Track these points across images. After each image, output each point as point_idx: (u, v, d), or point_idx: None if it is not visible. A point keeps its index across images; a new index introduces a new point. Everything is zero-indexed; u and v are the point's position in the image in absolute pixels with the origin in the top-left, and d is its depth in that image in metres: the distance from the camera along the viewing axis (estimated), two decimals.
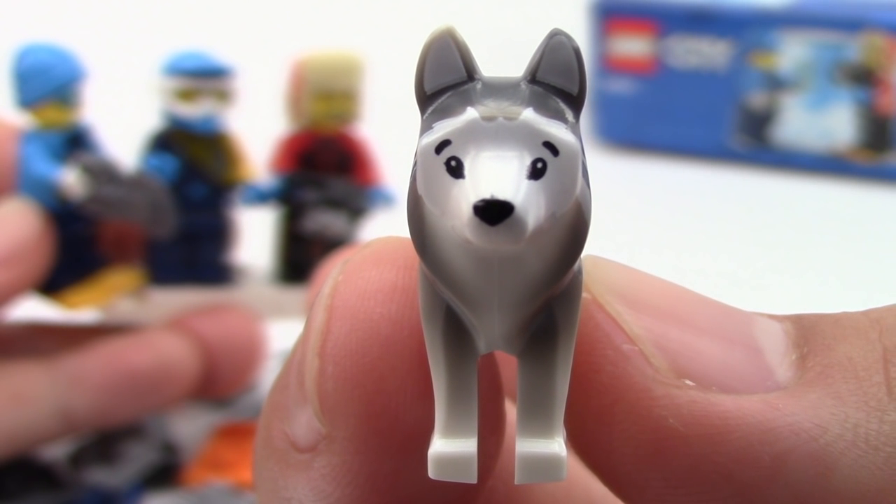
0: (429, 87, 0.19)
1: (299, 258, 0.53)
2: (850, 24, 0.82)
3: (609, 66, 0.88)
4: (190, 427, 0.54)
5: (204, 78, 0.49)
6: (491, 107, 0.18)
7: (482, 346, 0.20)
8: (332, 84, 0.51)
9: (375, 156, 0.53)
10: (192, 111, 0.50)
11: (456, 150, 0.18)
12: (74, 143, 0.48)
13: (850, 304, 0.22)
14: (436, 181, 0.18)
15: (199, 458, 0.52)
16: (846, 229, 0.78)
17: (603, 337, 0.21)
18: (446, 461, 0.20)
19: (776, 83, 0.84)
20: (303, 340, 0.22)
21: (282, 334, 0.56)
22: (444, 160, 0.18)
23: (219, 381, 0.51)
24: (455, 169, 0.18)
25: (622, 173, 0.85)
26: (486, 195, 0.17)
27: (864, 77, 0.82)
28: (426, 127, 0.18)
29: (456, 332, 0.20)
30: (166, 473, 0.52)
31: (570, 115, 0.19)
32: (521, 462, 0.20)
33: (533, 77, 0.19)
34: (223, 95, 0.50)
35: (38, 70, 0.47)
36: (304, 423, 0.22)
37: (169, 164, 0.50)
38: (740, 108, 0.85)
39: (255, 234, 0.54)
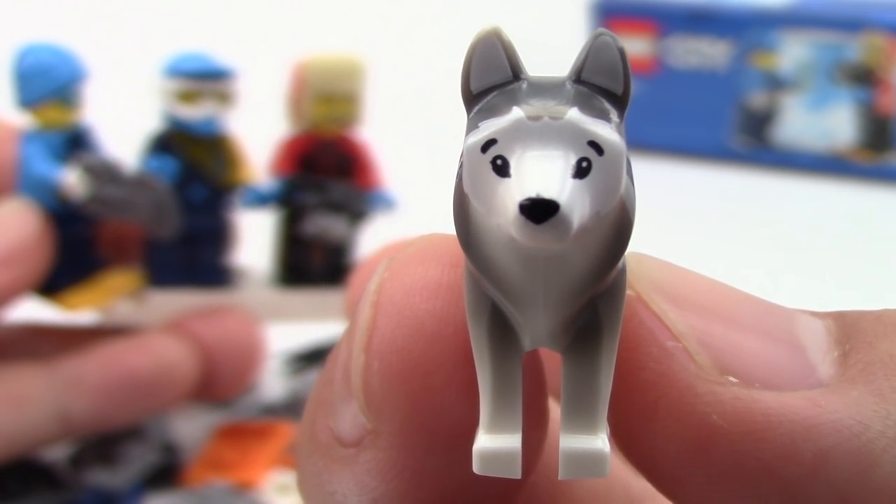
0: (475, 87, 0.19)
1: (299, 261, 0.53)
2: (850, 24, 0.82)
3: None
4: (190, 427, 0.54)
5: (205, 80, 0.49)
6: (536, 106, 0.18)
7: (527, 343, 0.20)
8: (333, 87, 0.51)
9: (376, 159, 0.53)
10: (193, 113, 0.50)
11: (502, 148, 0.18)
12: (75, 143, 0.48)
13: (849, 304, 0.23)
14: (482, 179, 0.18)
15: (199, 458, 0.52)
16: (846, 229, 0.78)
17: (647, 334, 0.21)
18: (491, 456, 0.20)
19: (776, 83, 0.84)
20: (348, 336, 0.22)
21: (281, 337, 0.56)
22: (491, 159, 0.18)
23: (218, 383, 0.51)
24: (501, 167, 0.18)
25: None
26: (532, 194, 0.17)
27: (864, 77, 0.82)
28: (472, 126, 0.19)
29: (501, 329, 0.20)
30: (167, 474, 0.52)
31: (614, 114, 0.19)
32: (565, 458, 0.20)
33: (578, 77, 0.19)
34: (224, 97, 0.50)
35: (40, 70, 0.47)
36: (350, 418, 0.22)
37: (169, 165, 0.50)
38: (740, 108, 0.85)
39: (254, 237, 0.54)
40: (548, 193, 0.17)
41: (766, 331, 0.21)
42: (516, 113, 0.18)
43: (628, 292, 0.20)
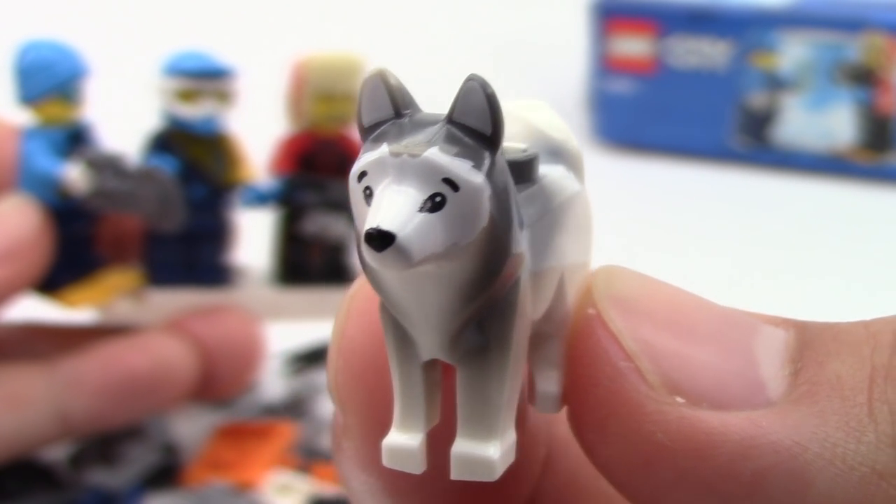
0: (365, 122, 0.21)
1: (298, 260, 0.53)
2: (850, 24, 0.82)
3: (609, 66, 0.88)
4: (190, 427, 0.54)
5: (205, 79, 0.50)
6: (401, 144, 0.20)
7: (424, 354, 0.21)
8: (332, 86, 0.51)
9: None
10: (193, 112, 0.50)
11: (370, 180, 0.20)
12: (76, 139, 0.48)
13: (849, 304, 0.23)
14: (358, 206, 0.20)
15: (199, 458, 0.52)
16: (846, 229, 0.78)
17: (602, 353, 0.22)
18: (395, 451, 0.21)
19: (776, 83, 0.84)
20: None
21: (281, 336, 0.56)
22: (363, 188, 0.20)
23: (217, 383, 0.51)
24: (369, 197, 0.20)
25: (622, 173, 0.85)
26: (374, 224, 0.19)
27: (864, 77, 0.82)
28: (359, 156, 0.20)
29: (402, 341, 0.21)
30: (166, 474, 0.52)
31: (484, 153, 0.20)
32: (456, 460, 0.21)
33: (450, 118, 0.20)
34: (224, 96, 0.50)
35: (41, 66, 0.47)
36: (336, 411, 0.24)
37: (169, 164, 0.49)
38: (740, 108, 0.85)
39: (254, 236, 0.54)
40: (386, 225, 0.19)
41: (722, 343, 0.22)
42: (383, 149, 0.20)
43: (590, 311, 0.22)
